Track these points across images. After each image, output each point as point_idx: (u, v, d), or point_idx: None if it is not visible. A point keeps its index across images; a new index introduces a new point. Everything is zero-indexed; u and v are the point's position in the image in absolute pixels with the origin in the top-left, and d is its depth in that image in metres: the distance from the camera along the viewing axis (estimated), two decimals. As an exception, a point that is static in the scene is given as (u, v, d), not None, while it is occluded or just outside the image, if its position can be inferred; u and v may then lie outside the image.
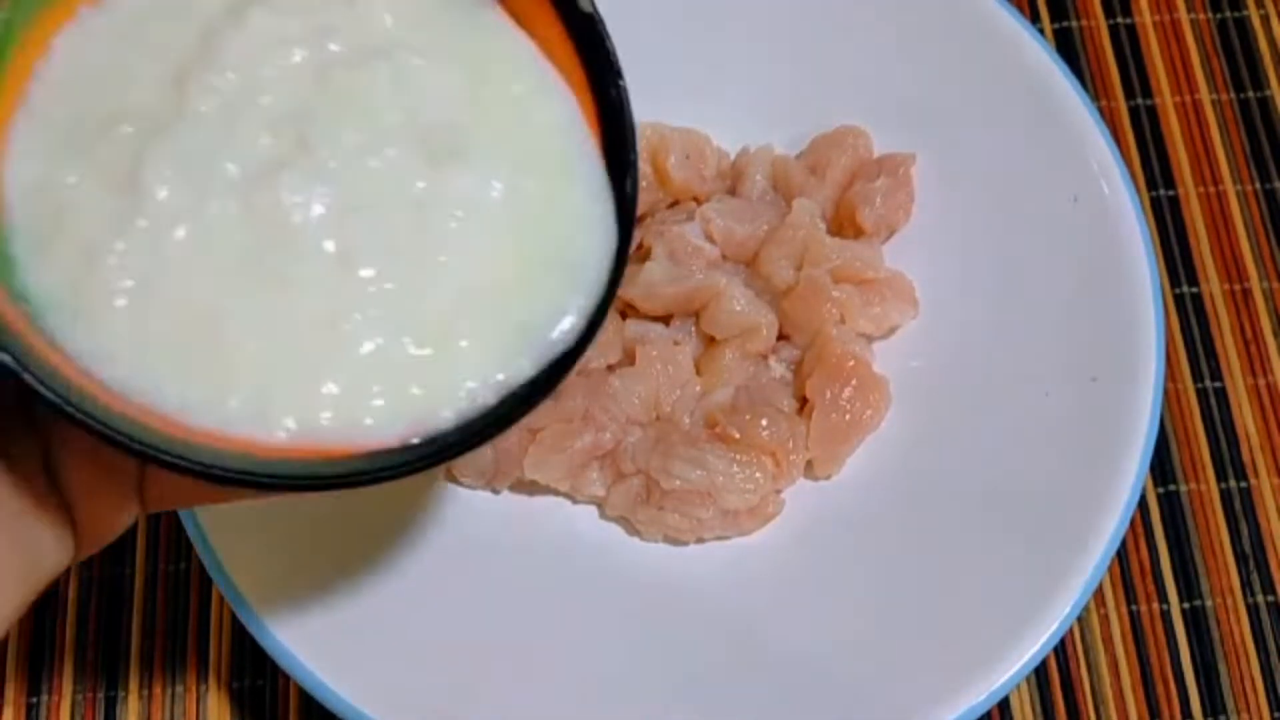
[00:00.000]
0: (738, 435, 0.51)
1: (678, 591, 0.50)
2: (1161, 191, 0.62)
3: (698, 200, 0.57)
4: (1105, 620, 0.54)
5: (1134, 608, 0.54)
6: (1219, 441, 0.57)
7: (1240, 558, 0.55)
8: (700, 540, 0.51)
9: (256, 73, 0.34)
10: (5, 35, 0.33)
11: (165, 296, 0.31)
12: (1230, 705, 0.53)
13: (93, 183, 0.32)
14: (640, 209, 0.52)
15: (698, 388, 0.53)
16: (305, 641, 0.44)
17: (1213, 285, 0.60)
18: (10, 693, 0.52)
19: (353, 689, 0.44)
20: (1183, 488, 0.56)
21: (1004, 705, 0.53)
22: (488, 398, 0.33)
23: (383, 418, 0.32)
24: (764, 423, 0.51)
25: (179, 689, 0.52)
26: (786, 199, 0.56)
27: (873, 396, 0.52)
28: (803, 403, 0.53)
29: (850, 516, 0.51)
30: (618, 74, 0.36)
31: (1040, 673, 0.53)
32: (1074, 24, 0.66)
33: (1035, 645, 0.45)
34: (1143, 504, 0.56)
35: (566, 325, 0.34)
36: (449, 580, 0.50)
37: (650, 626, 0.49)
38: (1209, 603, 0.54)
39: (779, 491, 0.52)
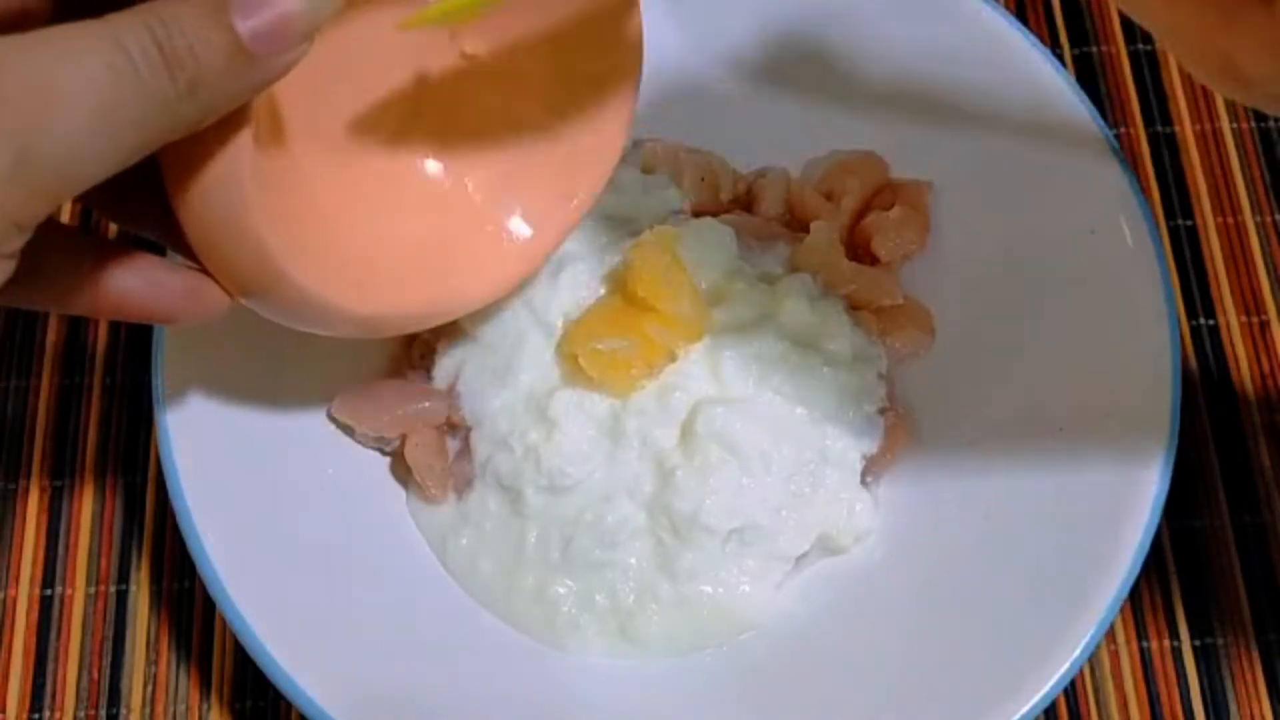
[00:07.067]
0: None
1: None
2: (1180, 221, 0.61)
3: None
4: (1115, 656, 0.53)
5: (1145, 644, 0.54)
6: (1235, 476, 0.57)
7: (1254, 594, 0.55)
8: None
9: None
10: None
11: None
12: (1241, 743, 0.52)
13: None
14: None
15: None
16: (306, 667, 0.44)
17: (1230, 317, 0.60)
18: (12, 709, 0.52)
19: (353, 717, 0.43)
20: (1197, 523, 0.56)
21: (1012, 742, 0.52)
22: None
23: None
24: None
25: (181, 708, 0.52)
26: (802, 223, 0.56)
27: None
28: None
29: (859, 551, 0.51)
30: None
31: (1049, 711, 0.52)
32: (1094, 49, 0.65)
33: (1046, 685, 0.44)
34: (1156, 539, 0.55)
35: None
36: (457, 612, 0.49)
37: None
38: (1221, 640, 0.54)
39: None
